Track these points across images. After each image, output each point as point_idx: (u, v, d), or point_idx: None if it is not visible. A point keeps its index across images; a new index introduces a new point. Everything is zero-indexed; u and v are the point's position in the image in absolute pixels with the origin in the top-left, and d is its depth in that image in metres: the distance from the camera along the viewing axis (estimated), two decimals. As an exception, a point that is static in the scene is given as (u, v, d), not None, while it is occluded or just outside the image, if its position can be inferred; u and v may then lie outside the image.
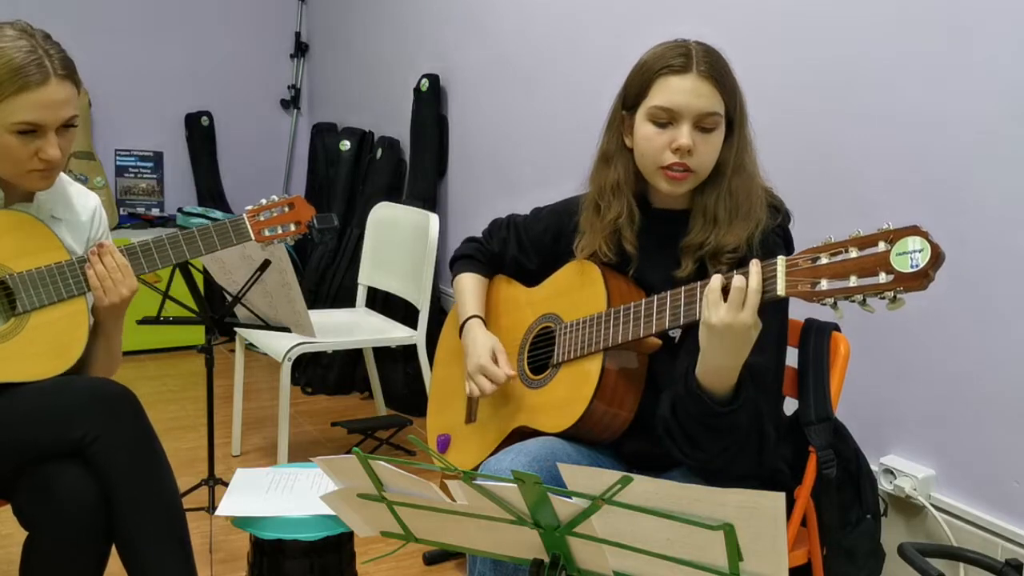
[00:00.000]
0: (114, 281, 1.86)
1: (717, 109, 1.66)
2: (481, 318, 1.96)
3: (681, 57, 1.66)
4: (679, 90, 1.65)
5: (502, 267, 2.04)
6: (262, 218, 2.05)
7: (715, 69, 1.66)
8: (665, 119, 1.66)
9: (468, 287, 2.02)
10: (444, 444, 2.02)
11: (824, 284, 1.35)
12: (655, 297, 1.61)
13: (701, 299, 1.51)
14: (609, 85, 1.80)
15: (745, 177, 1.70)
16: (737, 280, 1.44)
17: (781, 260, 1.41)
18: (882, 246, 1.30)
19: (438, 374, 2.14)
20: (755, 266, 1.45)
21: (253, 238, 2.03)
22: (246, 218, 2.03)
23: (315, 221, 2.14)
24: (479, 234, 2.10)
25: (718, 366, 1.51)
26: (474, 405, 1.96)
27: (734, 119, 1.69)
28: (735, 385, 1.53)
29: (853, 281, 1.32)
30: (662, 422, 1.63)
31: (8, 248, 1.85)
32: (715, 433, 1.56)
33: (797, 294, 1.39)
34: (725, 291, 1.46)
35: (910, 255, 1.28)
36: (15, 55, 1.74)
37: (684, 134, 1.64)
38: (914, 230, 1.29)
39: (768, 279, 1.42)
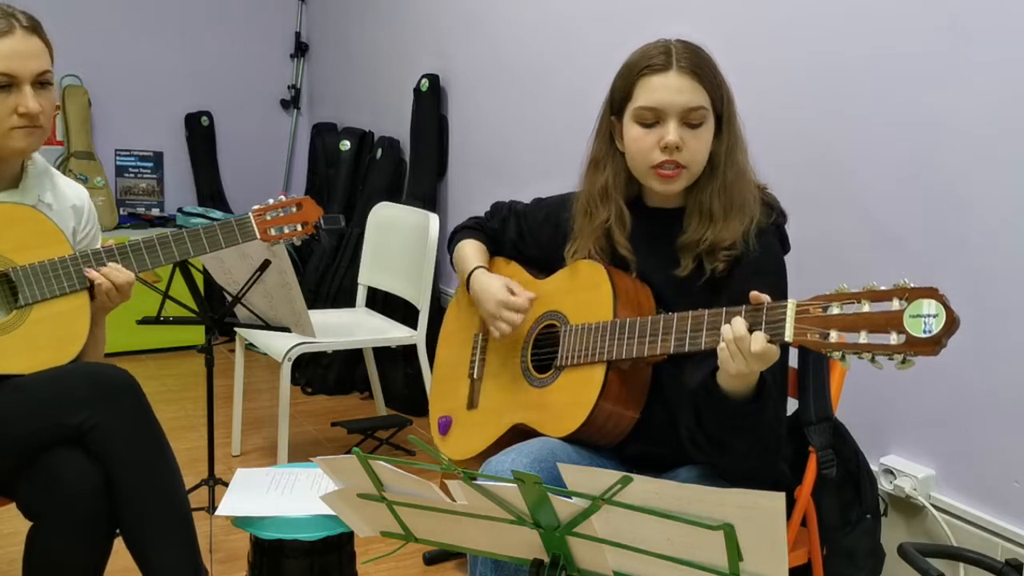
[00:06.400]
0: (113, 298, 1.90)
1: (702, 103, 1.65)
2: (486, 268, 1.96)
3: (661, 56, 1.66)
4: (661, 88, 1.65)
5: (501, 246, 2.04)
6: (268, 217, 2.05)
7: (695, 64, 1.66)
8: (651, 119, 1.66)
9: (469, 251, 2.02)
10: (445, 426, 2.01)
11: (833, 336, 1.32)
12: (662, 317, 1.61)
13: (707, 328, 1.50)
14: (609, 85, 1.79)
15: (738, 171, 1.70)
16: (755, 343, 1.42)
17: (791, 304, 1.39)
18: (896, 304, 1.28)
19: (442, 355, 2.13)
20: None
21: (258, 237, 2.03)
22: (252, 217, 2.03)
23: (322, 222, 2.14)
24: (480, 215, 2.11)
25: (739, 373, 1.49)
26: (476, 390, 1.96)
27: (722, 113, 1.69)
28: (756, 384, 1.53)
29: (863, 337, 1.30)
30: (687, 432, 1.63)
31: (11, 241, 1.87)
32: (742, 433, 1.55)
33: (806, 343, 1.36)
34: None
35: (924, 319, 1.25)
36: None
37: (671, 131, 1.64)
38: (931, 292, 1.26)
39: (776, 323, 1.40)
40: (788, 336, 1.38)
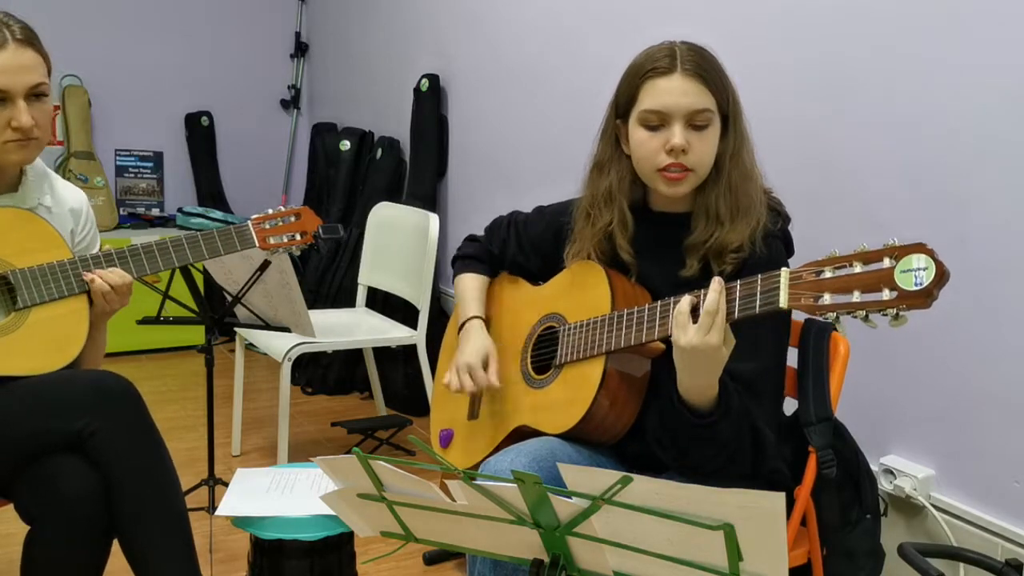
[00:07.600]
0: (110, 300, 1.90)
1: (707, 105, 1.65)
2: (482, 319, 1.96)
3: (666, 58, 1.66)
4: (666, 91, 1.65)
5: (503, 267, 2.04)
6: (268, 226, 2.07)
7: (700, 66, 1.66)
8: (656, 122, 1.66)
9: (469, 287, 2.02)
10: (447, 439, 2.02)
11: (827, 298, 1.34)
12: (659, 303, 1.61)
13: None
14: (609, 85, 1.80)
15: (744, 172, 1.70)
16: (708, 303, 1.45)
17: (784, 272, 1.40)
18: (887, 262, 1.29)
19: (443, 366, 2.14)
20: (716, 283, 1.46)
21: (257, 245, 2.05)
22: (251, 225, 2.04)
23: (321, 231, 2.16)
24: (480, 232, 2.10)
25: (692, 383, 1.53)
26: (477, 402, 1.96)
27: (728, 114, 1.69)
28: (716, 397, 1.55)
29: (856, 296, 1.31)
30: (653, 432, 1.66)
31: (11, 244, 1.87)
32: (700, 443, 1.58)
33: (800, 307, 1.38)
34: (696, 311, 1.47)
35: (914, 273, 1.26)
36: None
37: (676, 134, 1.64)
38: (919, 248, 1.27)
39: (771, 291, 1.41)
40: (783, 303, 1.39)
